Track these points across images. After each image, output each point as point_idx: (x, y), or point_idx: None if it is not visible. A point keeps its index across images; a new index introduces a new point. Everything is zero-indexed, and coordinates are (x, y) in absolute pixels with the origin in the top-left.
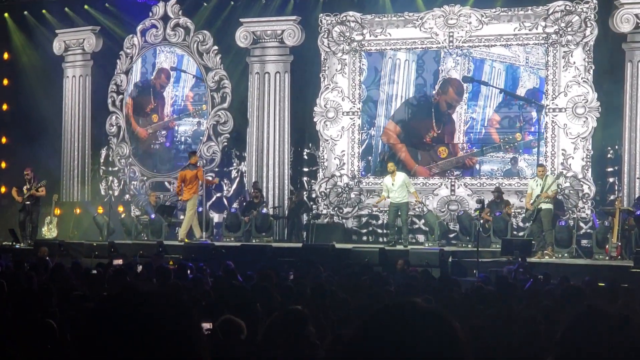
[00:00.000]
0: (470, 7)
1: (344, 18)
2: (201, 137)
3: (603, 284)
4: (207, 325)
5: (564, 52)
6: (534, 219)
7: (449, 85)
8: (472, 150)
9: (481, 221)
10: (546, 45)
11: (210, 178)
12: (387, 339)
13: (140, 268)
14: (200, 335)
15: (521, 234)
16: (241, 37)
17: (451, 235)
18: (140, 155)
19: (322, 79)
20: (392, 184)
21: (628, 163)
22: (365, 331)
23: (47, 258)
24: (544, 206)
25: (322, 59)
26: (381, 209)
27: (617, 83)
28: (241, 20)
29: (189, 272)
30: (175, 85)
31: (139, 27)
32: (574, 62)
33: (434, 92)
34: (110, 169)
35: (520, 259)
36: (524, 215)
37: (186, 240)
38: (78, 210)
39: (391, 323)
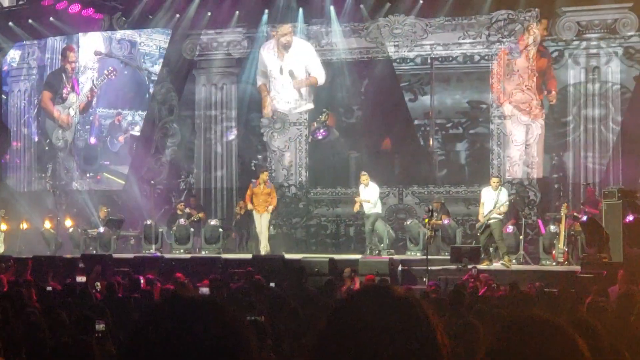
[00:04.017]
0: (415, 17)
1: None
2: (151, 150)
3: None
4: None
5: (508, 59)
6: (483, 231)
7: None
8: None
9: (431, 229)
10: (490, 53)
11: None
12: (356, 324)
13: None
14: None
15: (469, 241)
16: (188, 48)
17: (400, 244)
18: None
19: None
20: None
21: (572, 169)
22: (335, 319)
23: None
24: (494, 219)
25: (268, 70)
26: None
27: (560, 89)
28: (188, 32)
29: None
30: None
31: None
32: (518, 70)
33: None
34: (57, 182)
35: (472, 268)
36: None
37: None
38: (25, 225)
39: (361, 308)
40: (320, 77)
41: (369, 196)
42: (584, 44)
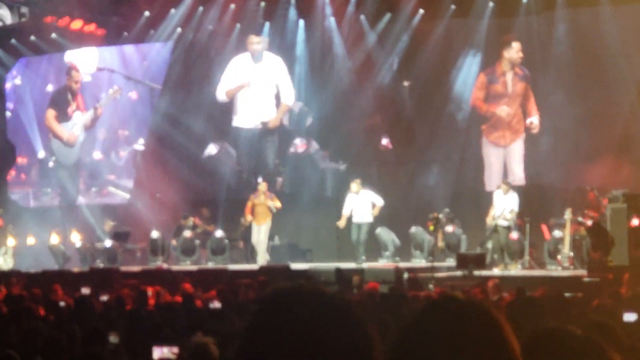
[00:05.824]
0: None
1: None
2: None
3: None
4: (174, 350)
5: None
6: (491, 234)
7: None
8: None
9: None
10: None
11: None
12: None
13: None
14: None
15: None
16: (190, 60)
17: (405, 252)
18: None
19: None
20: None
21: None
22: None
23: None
24: (501, 224)
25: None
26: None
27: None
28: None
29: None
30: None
31: None
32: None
33: None
34: (63, 197)
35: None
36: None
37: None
38: (33, 240)
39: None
40: (290, 97)
41: (366, 204)
42: None
